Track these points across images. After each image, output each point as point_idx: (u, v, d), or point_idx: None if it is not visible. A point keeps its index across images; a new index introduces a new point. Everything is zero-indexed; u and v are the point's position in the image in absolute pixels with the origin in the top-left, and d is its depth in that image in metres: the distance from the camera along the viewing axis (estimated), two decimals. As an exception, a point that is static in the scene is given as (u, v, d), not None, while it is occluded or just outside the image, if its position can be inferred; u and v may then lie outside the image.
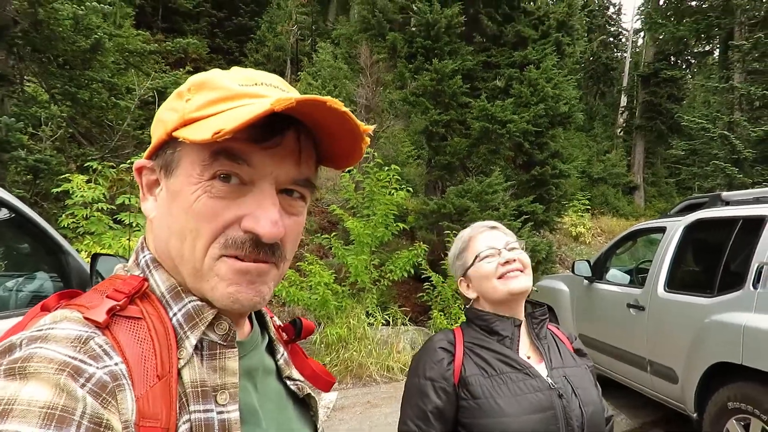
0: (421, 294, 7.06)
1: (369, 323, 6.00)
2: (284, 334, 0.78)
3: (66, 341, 0.48)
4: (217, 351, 0.59)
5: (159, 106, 0.63)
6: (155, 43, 9.83)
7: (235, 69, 0.62)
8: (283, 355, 0.73)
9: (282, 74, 16.16)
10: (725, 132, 11.40)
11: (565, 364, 1.29)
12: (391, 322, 6.39)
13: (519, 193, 8.53)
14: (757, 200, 3.62)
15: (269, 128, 0.54)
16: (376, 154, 7.14)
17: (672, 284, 3.90)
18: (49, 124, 6.17)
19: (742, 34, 13.45)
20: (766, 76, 12.27)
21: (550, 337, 1.36)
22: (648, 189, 21.41)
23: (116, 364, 0.50)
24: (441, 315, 6.50)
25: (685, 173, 15.74)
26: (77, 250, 4.47)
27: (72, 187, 5.16)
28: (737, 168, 10.78)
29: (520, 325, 1.32)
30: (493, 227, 1.40)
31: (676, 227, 4.07)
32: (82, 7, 6.01)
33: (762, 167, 11.06)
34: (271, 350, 0.72)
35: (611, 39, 28.00)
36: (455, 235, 6.31)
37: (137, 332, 0.54)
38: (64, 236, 4.33)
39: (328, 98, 0.52)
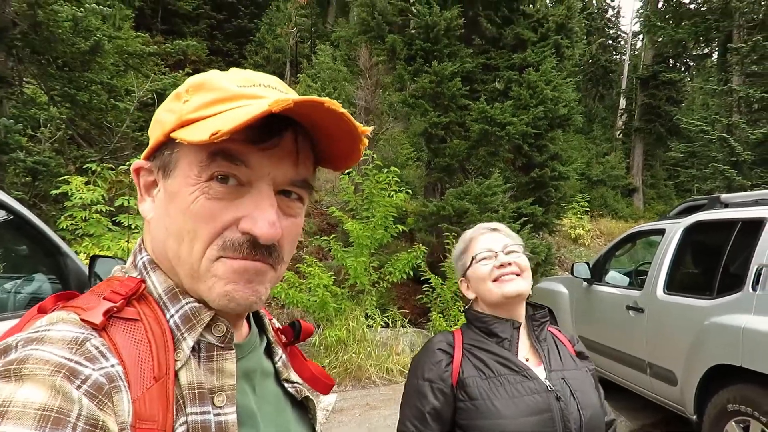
0: (420, 296, 7.06)
1: (368, 325, 5.99)
2: (283, 336, 0.78)
3: (62, 343, 0.48)
4: (215, 353, 0.58)
5: (158, 107, 0.63)
6: (154, 45, 9.84)
7: (233, 70, 0.62)
8: (281, 357, 0.72)
9: (281, 76, 16.17)
10: (724, 134, 11.42)
11: (564, 366, 1.29)
12: (390, 324, 6.39)
13: (518, 195, 8.54)
14: (756, 202, 3.62)
15: (267, 129, 0.54)
16: (375, 156, 7.15)
17: (671, 286, 3.90)
18: (48, 125, 6.17)
19: (740, 37, 13.48)
20: (764, 79, 12.29)
21: (551, 339, 1.36)
22: (647, 191, 21.43)
23: (112, 365, 0.49)
24: (440, 317, 6.50)
25: (684, 175, 15.78)
26: (76, 251, 4.47)
27: (71, 189, 5.16)
28: (736, 170, 10.79)
29: (519, 328, 1.33)
30: (495, 229, 1.40)
31: (675, 229, 4.07)
32: (82, 9, 6.01)
33: (761, 169, 11.08)
34: (269, 353, 0.72)
35: (610, 42, 28.07)
36: (454, 237, 6.34)
37: (134, 334, 0.54)
38: (63, 238, 4.32)
39: (325, 99, 0.52)
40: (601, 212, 17.41)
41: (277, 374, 0.71)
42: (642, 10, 20.39)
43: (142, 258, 0.62)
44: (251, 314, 0.71)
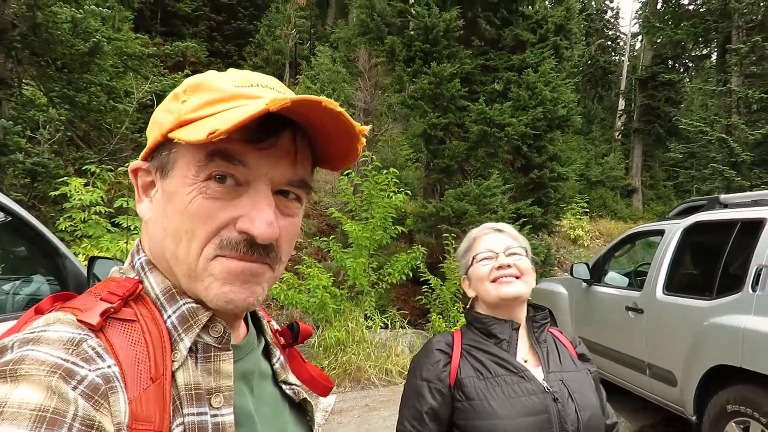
0: (419, 297, 7.06)
1: (367, 326, 5.99)
2: (281, 338, 0.78)
3: (58, 343, 0.48)
4: (212, 353, 0.58)
5: (156, 108, 0.63)
6: (154, 46, 9.85)
7: (231, 71, 0.62)
8: (279, 359, 0.72)
9: (281, 78, 16.17)
10: (723, 135, 11.43)
11: (563, 368, 1.29)
12: (389, 325, 6.39)
13: (517, 196, 8.54)
14: (756, 203, 3.62)
15: (265, 129, 0.54)
16: (374, 157, 7.14)
17: (671, 287, 3.90)
18: (47, 127, 6.17)
19: (739, 38, 13.50)
20: (763, 80, 12.30)
21: (551, 341, 1.36)
22: (646, 192, 21.45)
23: (109, 366, 0.49)
24: (439, 318, 6.50)
25: (683, 176, 15.79)
26: (75, 253, 4.46)
27: (70, 191, 5.16)
28: (735, 171, 10.80)
29: (518, 329, 1.33)
30: (499, 230, 1.40)
31: (674, 230, 4.07)
32: (81, 10, 6.01)
33: (760, 170, 11.09)
34: (267, 354, 0.72)
35: (609, 42, 28.11)
36: (454, 237, 6.33)
37: (131, 335, 0.53)
38: (62, 239, 4.32)
39: (323, 98, 0.52)
40: (601, 213, 17.42)
41: (274, 376, 0.70)
42: (641, 11, 20.44)
43: (139, 259, 0.62)
44: (249, 315, 0.71)
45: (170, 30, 16.81)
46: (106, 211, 5.29)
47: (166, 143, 0.58)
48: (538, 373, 1.26)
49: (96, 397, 0.46)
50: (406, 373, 1.37)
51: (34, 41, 5.94)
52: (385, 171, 6.80)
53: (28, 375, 0.44)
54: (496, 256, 1.33)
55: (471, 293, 1.40)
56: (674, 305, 3.74)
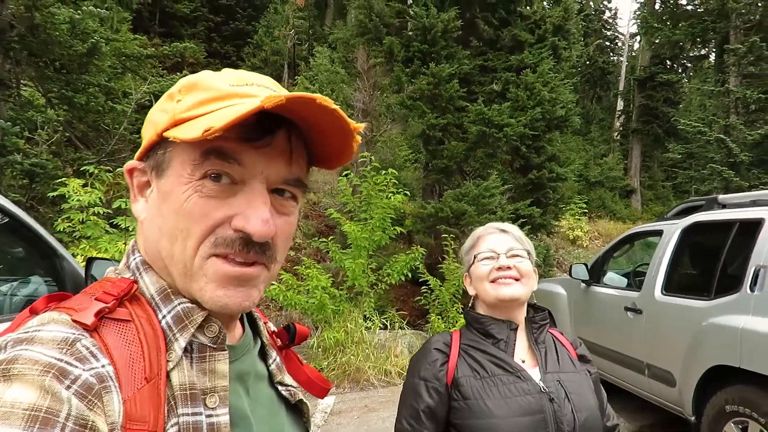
0: (418, 298, 7.06)
1: (366, 327, 5.99)
2: (278, 339, 0.78)
3: (52, 343, 0.48)
4: (207, 354, 0.58)
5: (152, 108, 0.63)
6: (152, 47, 9.84)
7: (226, 70, 0.62)
8: (275, 360, 0.72)
9: (279, 78, 16.18)
10: (721, 135, 11.45)
11: (561, 369, 1.29)
12: (388, 326, 6.39)
13: (516, 197, 8.55)
14: (754, 203, 3.62)
15: (260, 127, 0.54)
16: (373, 157, 7.15)
17: (669, 287, 3.90)
18: (46, 128, 6.17)
19: (737, 38, 13.52)
20: (761, 80, 12.33)
21: (551, 342, 1.37)
22: (645, 192, 21.47)
23: (103, 366, 0.49)
24: (438, 318, 6.50)
25: (681, 176, 15.81)
26: (73, 254, 4.45)
27: (68, 191, 5.14)
28: (734, 171, 10.81)
29: (516, 329, 1.33)
30: (504, 230, 1.40)
31: (673, 230, 4.07)
32: (79, 11, 6.01)
33: (758, 170, 11.11)
34: (263, 355, 0.71)
35: (607, 43, 28.15)
36: (452, 238, 6.31)
37: (126, 335, 0.53)
38: (60, 240, 4.30)
39: (317, 95, 0.51)
40: (600, 213, 17.44)
41: (270, 377, 0.70)
42: (639, 12, 20.45)
43: (134, 259, 0.61)
44: (245, 316, 0.71)
45: (169, 31, 16.83)
46: (104, 212, 5.28)
47: (161, 143, 0.58)
48: (535, 374, 1.26)
49: (90, 397, 0.46)
50: (405, 373, 1.38)
51: (33, 42, 5.94)
52: (383, 171, 6.80)
53: (21, 374, 0.44)
54: (497, 257, 1.33)
55: (471, 291, 1.41)
56: (673, 305, 3.74)
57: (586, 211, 14.98)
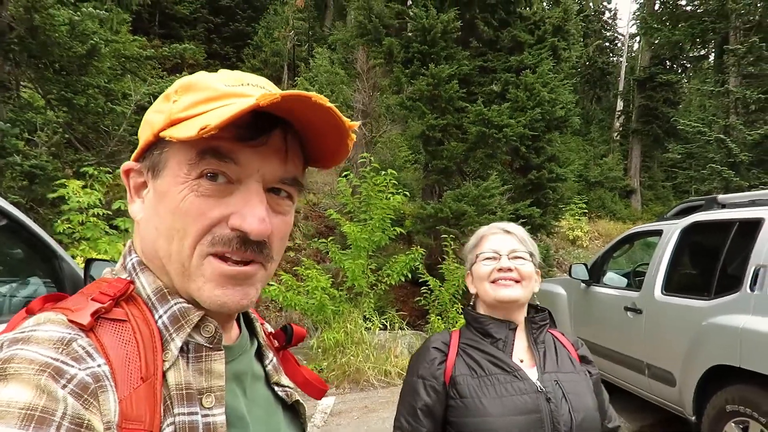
0: (418, 298, 7.06)
1: (366, 328, 5.99)
2: (275, 341, 0.78)
3: (48, 343, 0.48)
4: (203, 353, 0.58)
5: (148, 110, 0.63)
6: (152, 48, 9.83)
7: (222, 71, 0.62)
8: (271, 361, 0.72)
9: (279, 80, 16.20)
10: (721, 135, 11.44)
11: (559, 369, 1.30)
12: (388, 327, 6.38)
13: (516, 197, 8.56)
14: (753, 203, 3.62)
15: (255, 126, 0.54)
16: (373, 158, 7.15)
17: (669, 287, 3.90)
18: (45, 129, 6.17)
19: (737, 38, 13.53)
20: (761, 80, 12.33)
21: (551, 342, 1.37)
22: (645, 192, 21.48)
23: (99, 365, 0.49)
24: (438, 319, 6.49)
25: (681, 177, 15.81)
26: (73, 255, 4.45)
27: (68, 193, 5.15)
28: (734, 171, 10.81)
29: (515, 329, 1.33)
30: (507, 231, 1.40)
31: (672, 230, 4.07)
32: (78, 13, 6.00)
33: (758, 170, 11.11)
34: (260, 356, 0.71)
35: (607, 43, 28.17)
36: (452, 239, 6.28)
37: (122, 334, 0.53)
38: (60, 242, 4.30)
39: (312, 94, 0.52)
40: (599, 214, 17.45)
41: (267, 378, 0.70)
42: (639, 12, 20.46)
43: (131, 259, 0.61)
44: (242, 317, 0.71)
45: (168, 32, 16.84)
46: (104, 214, 5.29)
47: (157, 143, 0.58)
48: (532, 373, 1.26)
49: (85, 396, 0.46)
50: (405, 373, 1.39)
51: (32, 44, 5.93)
52: (383, 172, 6.80)
53: (17, 374, 0.44)
54: (499, 258, 1.34)
55: (473, 290, 1.42)
56: (673, 305, 3.74)
57: (586, 211, 14.99)
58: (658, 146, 20.99)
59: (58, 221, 5.19)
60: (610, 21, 28.63)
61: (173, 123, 0.56)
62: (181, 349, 0.56)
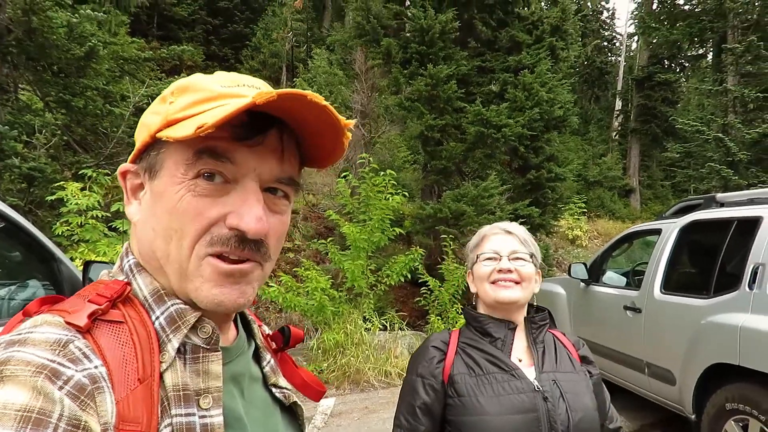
0: (418, 298, 7.06)
1: (366, 328, 5.99)
2: (273, 342, 0.78)
3: (45, 344, 0.48)
4: (200, 354, 0.58)
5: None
6: (150, 50, 9.83)
7: (218, 73, 0.63)
8: (269, 362, 0.72)
9: (278, 81, 16.20)
10: (720, 134, 11.44)
11: (558, 368, 1.30)
12: (388, 327, 6.38)
13: (515, 197, 8.56)
14: (752, 201, 3.63)
15: (252, 126, 0.55)
16: (371, 159, 7.15)
17: (668, 286, 3.91)
18: (44, 132, 6.16)
19: (735, 37, 13.53)
20: (759, 79, 12.33)
21: (551, 342, 1.37)
22: (644, 192, 21.49)
23: (96, 367, 0.49)
24: (438, 319, 6.49)
25: (680, 176, 15.81)
26: (72, 258, 4.45)
27: (66, 195, 5.14)
28: (732, 170, 10.81)
29: (515, 329, 1.34)
30: (509, 232, 1.40)
31: (671, 229, 4.07)
32: (76, 15, 6.00)
33: (757, 169, 11.10)
34: (257, 358, 0.72)
35: (605, 43, 28.17)
36: (452, 239, 6.28)
37: (119, 336, 0.53)
38: (59, 244, 4.30)
39: (308, 92, 0.52)
40: (599, 213, 17.45)
41: (265, 379, 0.70)
42: (637, 12, 20.48)
43: (128, 261, 0.62)
44: (239, 318, 0.71)
45: (167, 34, 16.82)
46: (102, 216, 5.28)
47: (154, 144, 0.59)
48: (530, 373, 1.27)
49: (82, 398, 0.46)
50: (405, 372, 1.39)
51: (30, 46, 5.92)
52: (382, 173, 6.80)
53: (13, 375, 0.44)
54: (499, 258, 1.34)
55: (473, 289, 1.42)
56: (672, 304, 3.74)
57: (585, 210, 15.00)
58: (656, 145, 20.99)
59: (57, 223, 5.18)
60: (608, 20, 28.66)
61: (170, 124, 0.56)
62: (178, 351, 0.56)
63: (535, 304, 1.42)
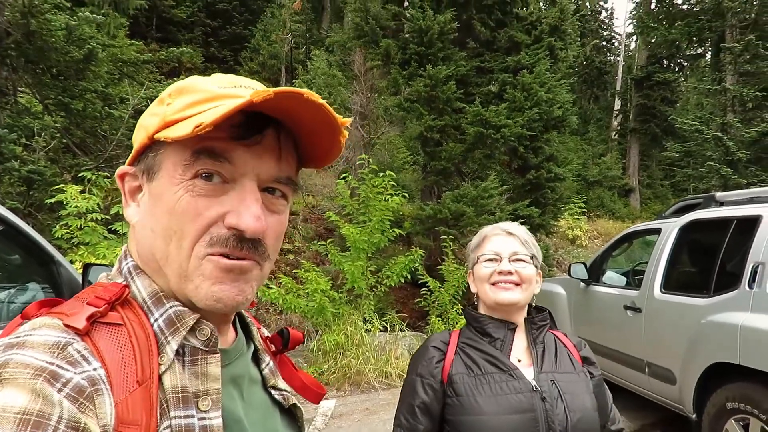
0: (418, 299, 7.05)
1: (366, 330, 5.98)
2: (272, 345, 0.78)
3: (44, 347, 0.48)
4: (199, 356, 0.58)
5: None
6: (149, 52, 9.85)
7: (215, 75, 0.63)
8: (268, 364, 0.72)
9: (277, 82, 16.20)
10: (719, 133, 11.45)
11: (557, 369, 1.30)
12: (388, 328, 6.38)
13: (515, 197, 8.56)
14: (751, 200, 3.63)
15: (249, 126, 0.55)
16: (371, 160, 7.15)
17: (668, 285, 3.91)
18: (43, 134, 6.15)
19: (733, 37, 13.54)
20: (758, 78, 12.34)
21: (551, 342, 1.37)
22: (643, 191, 21.49)
23: (95, 369, 0.49)
24: (438, 320, 6.49)
25: (679, 175, 15.83)
26: (71, 260, 4.45)
27: (66, 198, 5.14)
28: (732, 169, 10.82)
29: (514, 329, 1.34)
30: (510, 233, 1.39)
31: (671, 228, 4.07)
32: (75, 17, 6.00)
33: (756, 168, 11.11)
34: (256, 360, 0.72)
35: (604, 43, 28.20)
36: (451, 239, 6.29)
37: (117, 338, 0.53)
38: (58, 247, 4.30)
39: (305, 90, 0.52)
40: (598, 213, 17.45)
41: (264, 381, 0.70)
42: (635, 12, 20.51)
43: (127, 264, 0.62)
44: (238, 321, 0.71)
45: (166, 36, 16.83)
46: (102, 218, 5.28)
47: (152, 146, 0.59)
48: (528, 373, 1.27)
49: (81, 400, 0.46)
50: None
51: (29, 49, 5.92)
52: (382, 174, 6.80)
53: (12, 378, 0.44)
54: (500, 260, 1.34)
55: (474, 289, 1.42)
56: (672, 304, 3.74)
57: (585, 210, 15.00)
58: (656, 145, 21.00)
59: (57, 226, 5.18)
60: (606, 20, 28.68)
61: (168, 125, 0.56)
62: (177, 353, 0.56)
63: (534, 304, 1.42)
